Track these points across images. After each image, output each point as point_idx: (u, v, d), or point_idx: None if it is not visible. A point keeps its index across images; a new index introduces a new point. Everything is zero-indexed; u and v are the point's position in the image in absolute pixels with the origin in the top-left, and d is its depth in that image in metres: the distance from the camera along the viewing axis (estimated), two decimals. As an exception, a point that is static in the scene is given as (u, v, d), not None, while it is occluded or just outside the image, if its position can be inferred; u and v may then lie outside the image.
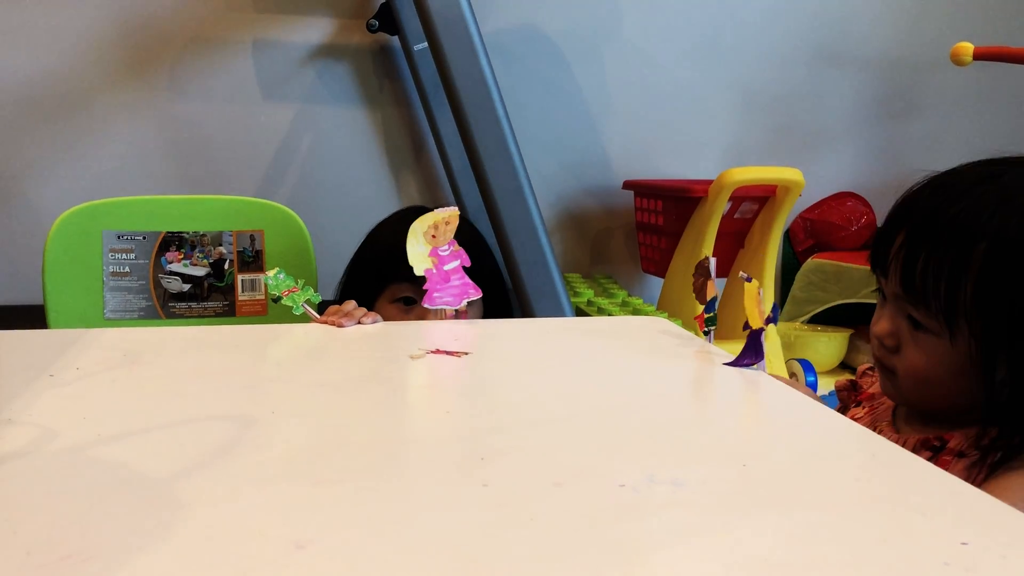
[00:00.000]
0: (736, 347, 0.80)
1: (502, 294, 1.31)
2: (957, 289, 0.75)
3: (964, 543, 0.43)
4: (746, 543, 0.43)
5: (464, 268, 0.98)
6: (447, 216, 0.96)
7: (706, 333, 0.91)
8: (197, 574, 0.38)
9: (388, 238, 1.26)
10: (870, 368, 1.01)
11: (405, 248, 1.18)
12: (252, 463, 0.52)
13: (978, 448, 0.75)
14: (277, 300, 0.95)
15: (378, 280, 1.23)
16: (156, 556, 0.40)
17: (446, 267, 0.97)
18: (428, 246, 0.96)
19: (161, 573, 0.39)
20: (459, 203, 2.20)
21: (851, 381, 1.00)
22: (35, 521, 0.43)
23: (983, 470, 0.74)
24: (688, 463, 0.53)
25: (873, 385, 0.96)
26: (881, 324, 0.83)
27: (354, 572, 0.39)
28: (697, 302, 0.91)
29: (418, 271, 0.96)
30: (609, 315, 1.87)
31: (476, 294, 0.98)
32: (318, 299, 0.96)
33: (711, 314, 0.90)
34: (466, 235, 1.00)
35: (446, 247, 0.97)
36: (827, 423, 0.63)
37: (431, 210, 0.97)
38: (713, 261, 0.90)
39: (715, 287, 0.90)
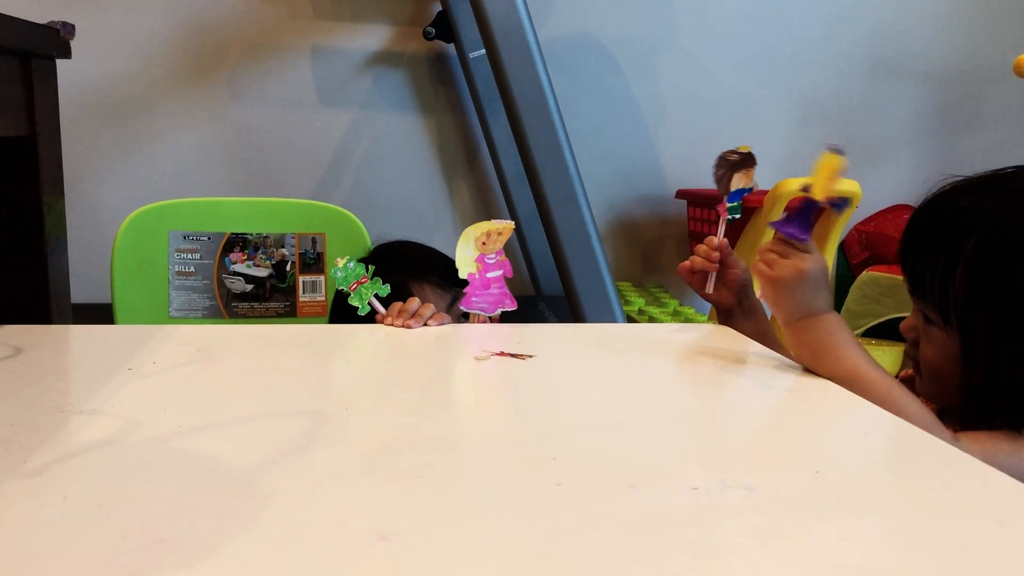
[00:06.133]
0: None
1: None
2: (948, 282, 0.79)
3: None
4: (822, 548, 0.43)
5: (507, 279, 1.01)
6: (501, 228, 0.99)
7: (729, 222, 0.97)
8: (286, 562, 0.40)
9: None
10: None
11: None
12: (330, 457, 0.53)
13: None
14: (347, 295, 0.96)
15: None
16: (246, 543, 0.41)
17: (489, 274, 0.99)
18: (476, 252, 0.98)
19: (252, 560, 0.40)
20: (511, 210, 2.21)
21: None
22: (127, 507, 0.45)
23: None
24: (760, 468, 0.53)
25: None
26: (905, 321, 0.88)
27: (435, 565, 0.40)
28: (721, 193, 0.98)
29: (462, 273, 0.98)
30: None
31: (511, 305, 1.00)
32: (386, 291, 0.97)
33: (735, 203, 0.97)
34: None
35: (493, 256, 0.99)
36: (897, 433, 0.62)
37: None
38: (741, 155, 0.98)
39: (750, 179, 0.97)
